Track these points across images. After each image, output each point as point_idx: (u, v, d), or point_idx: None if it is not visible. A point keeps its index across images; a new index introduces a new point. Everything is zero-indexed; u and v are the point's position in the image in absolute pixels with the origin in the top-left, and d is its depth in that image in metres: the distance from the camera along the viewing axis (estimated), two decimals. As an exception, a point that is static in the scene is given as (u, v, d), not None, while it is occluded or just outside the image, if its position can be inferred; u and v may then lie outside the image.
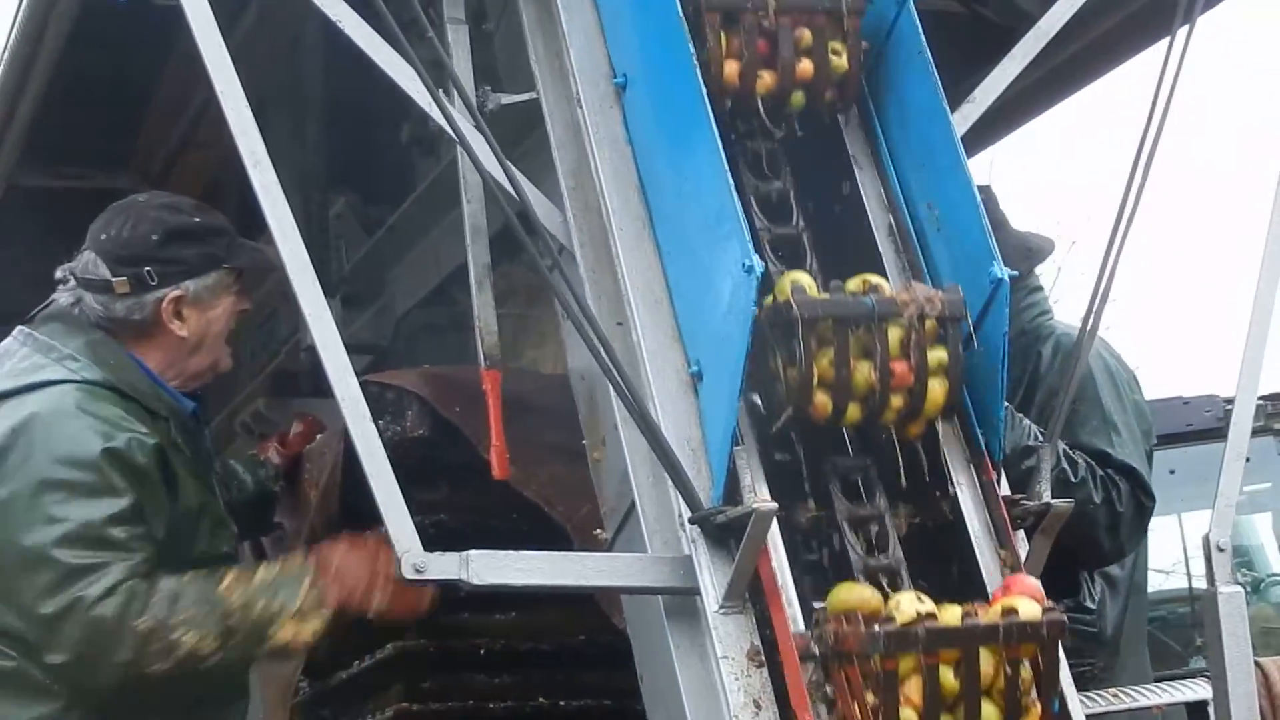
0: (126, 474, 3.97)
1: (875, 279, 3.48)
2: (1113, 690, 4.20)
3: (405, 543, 3.33)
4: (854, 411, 3.40)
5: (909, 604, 3.17)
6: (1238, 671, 3.70)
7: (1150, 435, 4.90)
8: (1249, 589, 9.69)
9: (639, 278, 3.66)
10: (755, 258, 3.26)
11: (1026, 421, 4.48)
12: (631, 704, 4.21)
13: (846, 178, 3.82)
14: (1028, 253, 5.02)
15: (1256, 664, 3.74)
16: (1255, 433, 3.79)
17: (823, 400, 3.36)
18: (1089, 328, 3.79)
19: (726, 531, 3.35)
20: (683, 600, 3.43)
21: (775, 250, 3.65)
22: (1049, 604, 3.22)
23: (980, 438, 3.56)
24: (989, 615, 3.16)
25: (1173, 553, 11.79)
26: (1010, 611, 3.14)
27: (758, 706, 3.29)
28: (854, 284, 3.45)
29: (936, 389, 3.43)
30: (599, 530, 3.86)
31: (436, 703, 4.41)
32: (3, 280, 6.84)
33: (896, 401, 3.42)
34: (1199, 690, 4.22)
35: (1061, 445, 4.53)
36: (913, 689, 3.13)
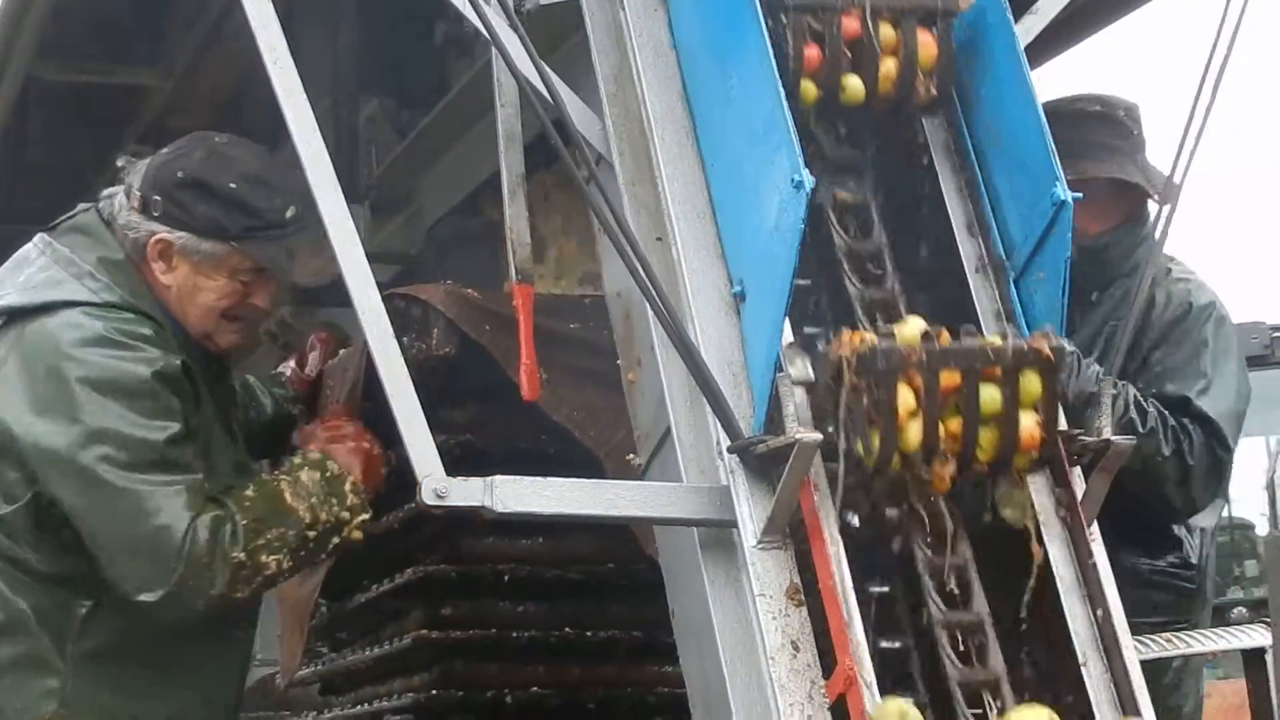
0: (172, 392, 3.88)
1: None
2: (1166, 636, 4.03)
3: (426, 466, 3.19)
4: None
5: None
6: (1300, 619, 3.55)
7: (1248, 397, 4.65)
8: (1294, 524, 9.56)
9: (681, 191, 3.49)
10: (805, 172, 3.08)
11: (1094, 367, 4.27)
12: (660, 636, 4.09)
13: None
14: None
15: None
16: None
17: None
18: (1152, 258, 3.60)
19: (767, 462, 3.18)
20: (719, 533, 3.27)
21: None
22: None
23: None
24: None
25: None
26: None
27: (795, 648, 3.13)
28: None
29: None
30: (631, 455, 3.70)
31: (457, 630, 4.29)
32: (25, 177, 6.73)
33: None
34: (1256, 637, 4.06)
35: (1132, 391, 4.32)
36: None
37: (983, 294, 3.47)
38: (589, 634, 4.38)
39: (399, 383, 3.26)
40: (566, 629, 4.38)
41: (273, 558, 3.85)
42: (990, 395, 3.14)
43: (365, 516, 3.97)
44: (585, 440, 4.21)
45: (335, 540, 3.95)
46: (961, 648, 3.15)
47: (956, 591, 3.21)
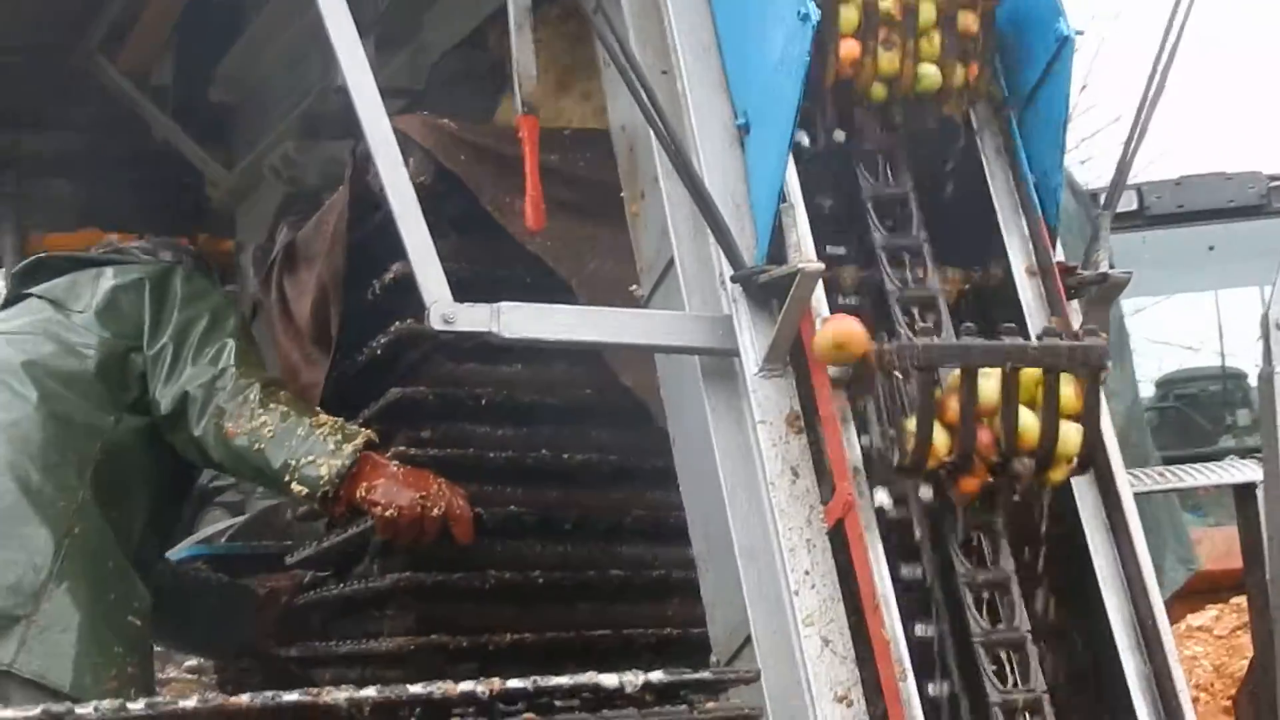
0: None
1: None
2: (1159, 469, 4.08)
3: (434, 292, 3.23)
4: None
5: None
6: (1291, 454, 3.60)
7: None
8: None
9: (686, 23, 3.50)
10: (811, 4, 3.10)
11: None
12: (638, 461, 4.17)
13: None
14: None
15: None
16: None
17: None
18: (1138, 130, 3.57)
19: (769, 291, 3.23)
20: (720, 361, 3.33)
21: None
22: None
23: (1036, 202, 3.42)
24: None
25: (1203, 329, 11.71)
26: None
27: (795, 474, 3.19)
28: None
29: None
30: (634, 286, 3.74)
31: (436, 449, 4.31)
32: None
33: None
34: (1247, 472, 4.10)
35: None
36: None
37: (985, 132, 3.50)
38: (565, 457, 4.39)
39: (408, 208, 3.29)
40: (544, 451, 4.39)
41: (265, 417, 4.27)
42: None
43: (334, 464, 4.15)
44: (558, 269, 4.20)
45: (305, 455, 4.19)
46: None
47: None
